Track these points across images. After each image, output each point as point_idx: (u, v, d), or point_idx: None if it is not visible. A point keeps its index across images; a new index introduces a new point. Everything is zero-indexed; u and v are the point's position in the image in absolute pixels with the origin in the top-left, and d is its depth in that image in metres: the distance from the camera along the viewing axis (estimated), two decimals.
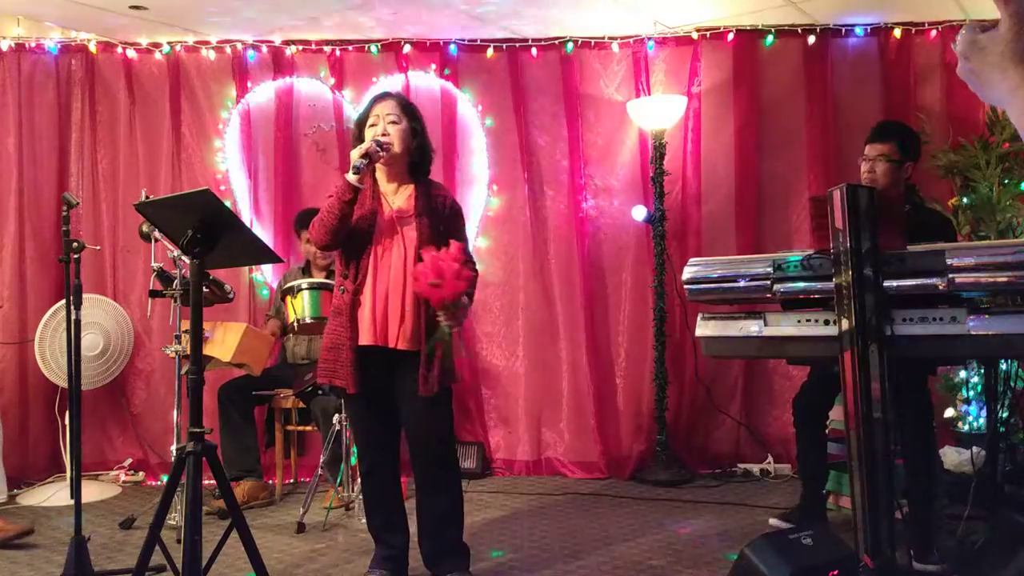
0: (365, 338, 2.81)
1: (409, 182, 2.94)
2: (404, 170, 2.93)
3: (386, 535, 2.96)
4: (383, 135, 2.83)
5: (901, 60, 4.68)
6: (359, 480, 3.81)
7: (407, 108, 2.93)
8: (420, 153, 2.93)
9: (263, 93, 4.84)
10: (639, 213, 4.57)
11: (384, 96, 2.95)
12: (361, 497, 3.74)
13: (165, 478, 4.33)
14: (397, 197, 2.91)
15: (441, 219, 2.89)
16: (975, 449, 3.66)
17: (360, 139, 2.91)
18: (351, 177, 2.74)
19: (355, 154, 2.77)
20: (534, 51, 4.82)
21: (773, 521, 3.58)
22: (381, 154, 2.80)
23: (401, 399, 2.89)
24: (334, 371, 2.86)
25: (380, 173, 2.92)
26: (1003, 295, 2.55)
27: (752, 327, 2.66)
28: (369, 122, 2.90)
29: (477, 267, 3.01)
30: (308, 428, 4.32)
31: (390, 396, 2.91)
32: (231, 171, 4.82)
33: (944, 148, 4.38)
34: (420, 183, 2.93)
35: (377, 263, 2.82)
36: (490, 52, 4.83)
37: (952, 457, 3.92)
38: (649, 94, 4.72)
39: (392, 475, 2.98)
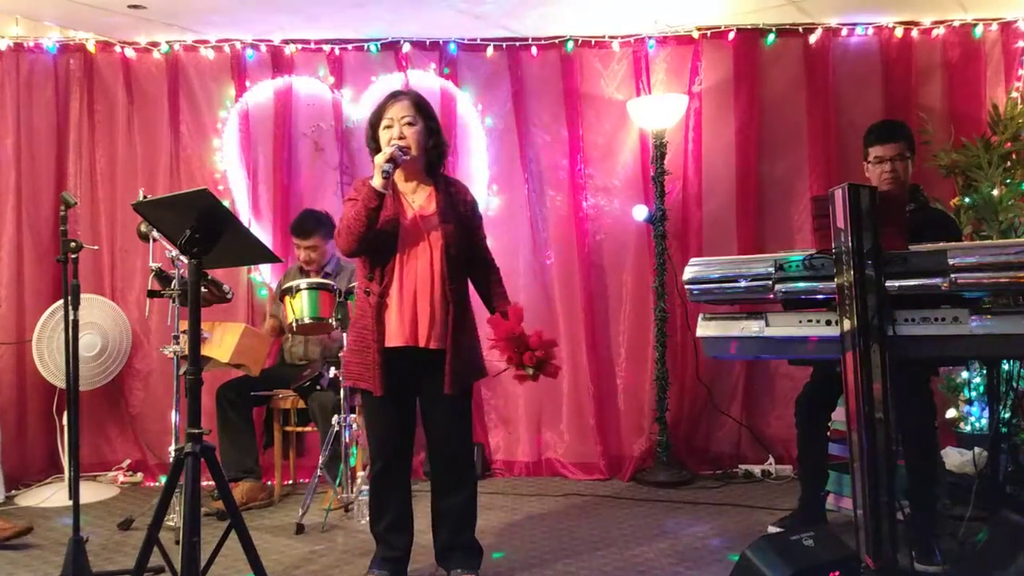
0: (394, 340, 2.82)
1: (427, 181, 2.94)
2: (421, 169, 2.92)
3: (390, 536, 2.96)
4: (400, 138, 2.82)
5: (902, 59, 4.67)
6: (359, 480, 3.83)
7: (422, 108, 2.90)
8: (437, 152, 2.93)
9: (262, 92, 4.83)
10: (639, 213, 4.56)
11: (398, 96, 2.91)
12: (364, 498, 3.75)
13: (163, 479, 4.31)
14: (416, 196, 2.91)
15: (463, 216, 2.93)
16: (977, 450, 3.65)
17: (374, 138, 2.90)
18: (377, 183, 2.72)
19: (380, 159, 2.75)
20: (534, 50, 4.81)
21: (772, 529, 3.57)
22: (404, 158, 2.79)
23: (426, 397, 2.92)
24: (360, 374, 2.87)
25: (398, 174, 2.92)
26: (1005, 295, 2.54)
27: (753, 327, 2.65)
28: (383, 124, 2.87)
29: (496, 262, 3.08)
30: (307, 429, 4.31)
31: (410, 396, 2.93)
32: (230, 171, 4.80)
33: (946, 148, 4.37)
34: (438, 182, 2.93)
35: (403, 265, 2.82)
36: (490, 51, 4.82)
37: (954, 458, 3.91)
38: (650, 93, 4.71)
39: (404, 477, 2.99)
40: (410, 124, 2.84)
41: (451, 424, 2.93)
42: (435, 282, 2.81)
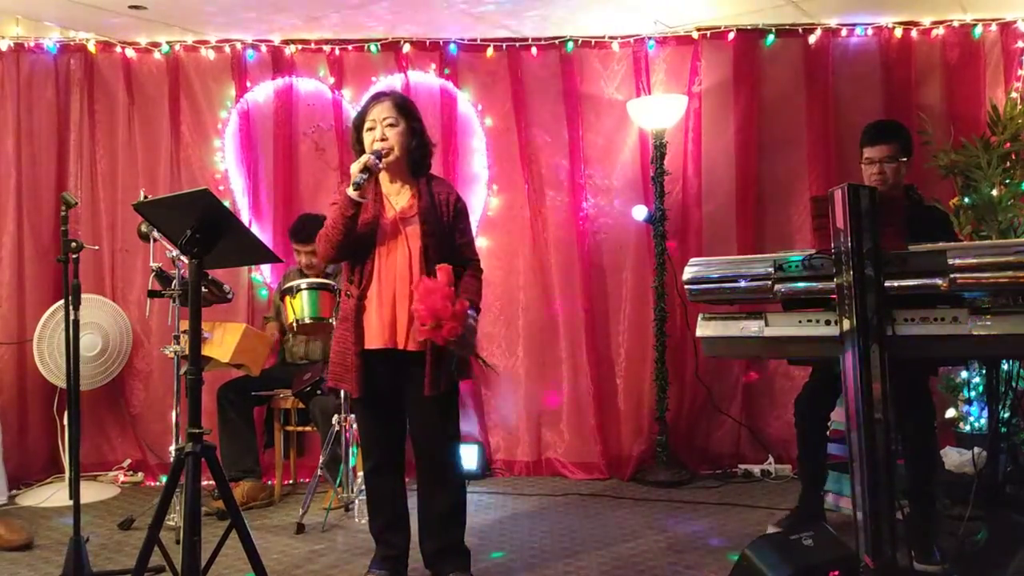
0: (373, 342, 2.82)
1: (411, 181, 2.93)
2: (405, 170, 2.92)
3: (387, 536, 2.96)
4: (381, 140, 2.82)
5: (902, 59, 4.67)
6: (359, 480, 3.83)
7: (404, 108, 2.89)
8: (420, 152, 2.92)
9: (262, 92, 4.83)
10: (639, 213, 4.57)
11: (380, 98, 2.91)
12: (362, 498, 3.76)
13: (164, 479, 4.32)
14: (399, 197, 2.91)
15: (445, 217, 2.89)
16: (976, 449, 3.65)
17: (358, 141, 2.90)
18: (352, 193, 2.73)
19: (355, 168, 2.74)
20: (534, 51, 4.81)
21: (771, 530, 3.57)
22: (381, 165, 2.79)
23: (408, 399, 2.90)
24: (342, 376, 2.87)
25: (382, 175, 2.91)
26: (1004, 295, 2.54)
27: (753, 327, 2.65)
28: (366, 126, 2.87)
29: (481, 266, 3.03)
30: (307, 429, 4.31)
31: (396, 397, 2.92)
32: (230, 171, 4.81)
33: (945, 148, 4.37)
34: (421, 182, 2.92)
35: (382, 267, 2.82)
36: (490, 52, 4.82)
37: (953, 457, 3.92)
38: (649, 94, 4.72)
39: (396, 476, 2.99)
40: (392, 125, 2.84)
41: (434, 426, 2.89)
42: (413, 283, 2.78)
